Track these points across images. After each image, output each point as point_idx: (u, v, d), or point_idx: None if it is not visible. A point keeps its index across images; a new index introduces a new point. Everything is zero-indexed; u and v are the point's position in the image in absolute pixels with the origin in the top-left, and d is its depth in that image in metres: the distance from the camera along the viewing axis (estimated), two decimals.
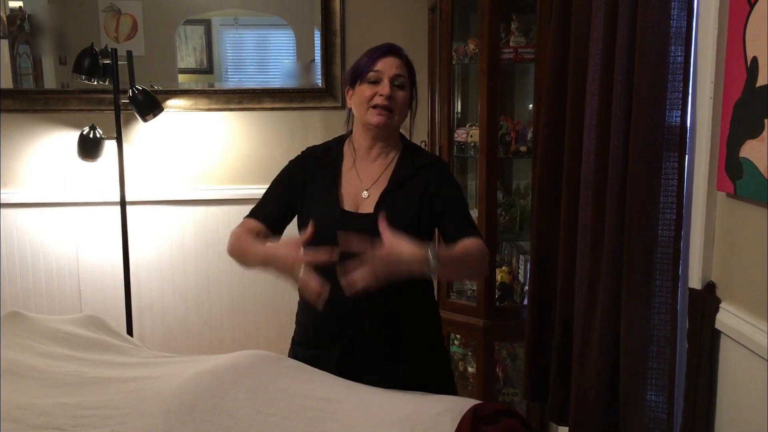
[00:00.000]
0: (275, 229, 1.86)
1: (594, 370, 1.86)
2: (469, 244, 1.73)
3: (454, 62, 2.83)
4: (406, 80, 1.82)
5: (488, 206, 2.69)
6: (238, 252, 1.78)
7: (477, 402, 1.60)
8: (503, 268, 3.00)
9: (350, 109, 1.89)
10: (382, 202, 1.79)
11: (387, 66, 1.79)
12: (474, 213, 2.74)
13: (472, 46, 2.78)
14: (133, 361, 1.92)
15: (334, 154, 1.90)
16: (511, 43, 2.75)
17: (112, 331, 2.15)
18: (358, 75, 1.81)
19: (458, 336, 3.10)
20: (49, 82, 3.29)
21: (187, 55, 3.42)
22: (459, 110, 3.27)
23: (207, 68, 3.44)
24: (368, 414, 1.54)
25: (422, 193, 1.81)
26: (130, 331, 3.14)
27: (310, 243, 1.77)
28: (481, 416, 1.51)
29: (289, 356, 1.92)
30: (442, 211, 1.80)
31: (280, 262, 1.59)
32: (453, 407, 1.54)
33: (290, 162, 1.94)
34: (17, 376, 1.79)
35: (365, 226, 1.70)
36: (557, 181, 2.17)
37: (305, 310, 1.90)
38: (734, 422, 1.52)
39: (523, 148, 2.77)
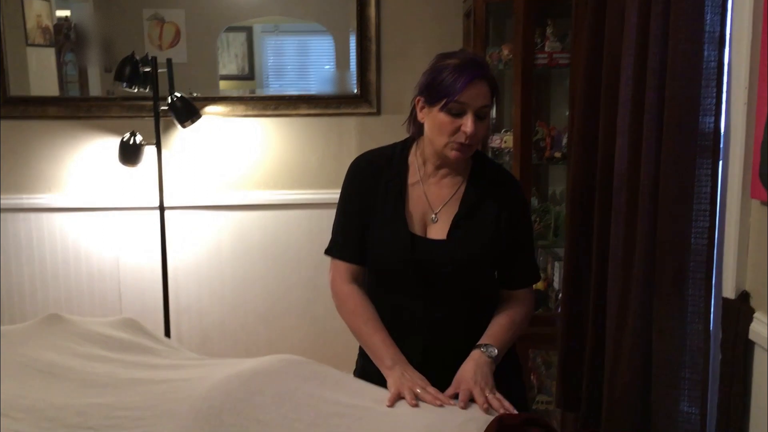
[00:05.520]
0: (366, 260, 1.82)
1: (625, 380, 1.84)
2: (515, 310, 1.79)
3: None
4: (489, 110, 1.68)
5: None
6: (353, 327, 1.80)
7: (503, 412, 1.60)
8: None
9: (414, 116, 1.74)
10: (455, 228, 1.73)
11: (473, 96, 1.61)
12: None
13: (506, 52, 2.77)
14: (167, 363, 1.95)
15: (398, 165, 1.79)
16: (546, 48, 2.73)
17: (148, 334, 2.19)
18: (438, 95, 1.63)
19: None
20: (95, 89, 3.36)
21: (230, 62, 3.47)
22: (494, 116, 3.26)
23: (248, 75, 3.49)
24: (393, 422, 1.53)
25: (496, 219, 1.74)
26: (167, 334, 3.19)
27: (378, 265, 1.81)
28: (506, 425, 1.50)
29: (356, 367, 1.94)
30: (509, 250, 1.76)
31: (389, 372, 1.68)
32: (478, 416, 1.53)
33: (351, 175, 1.82)
34: (54, 376, 1.83)
35: (437, 252, 1.72)
36: (590, 188, 2.15)
37: None
38: None
39: (557, 154, 2.75)
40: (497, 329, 1.76)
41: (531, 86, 2.63)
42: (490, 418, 1.53)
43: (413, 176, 1.78)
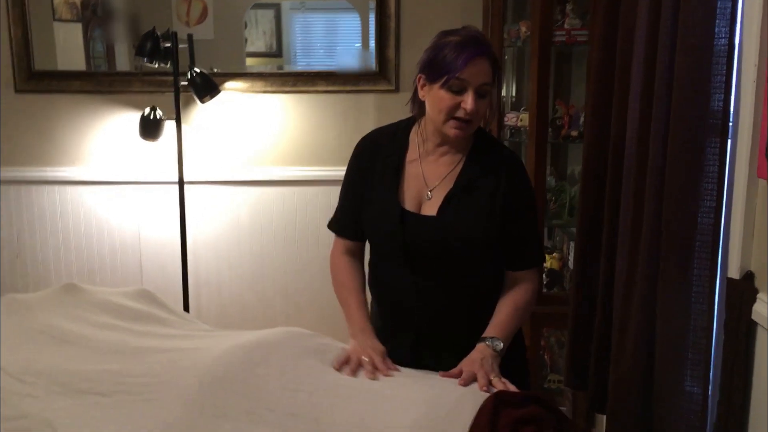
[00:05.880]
0: (363, 236, 1.87)
1: (630, 360, 1.83)
2: (520, 295, 1.78)
3: (507, 45, 2.80)
4: (490, 89, 1.65)
5: (537, 192, 2.65)
6: (339, 297, 1.88)
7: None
8: (554, 254, 2.96)
9: (416, 94, 1.73)
10: (447, 205, 1.72)
11: (474, 74, 1.61)
12: None
13: (524, 29, 2.74)
14: (176, 333, 1.99)
15: (399, 142, 1.80)
16: (565, 26, 2.70)
17: (162, 305, 2.23)
18: (439, 72, 1.62)
19: None
20: (122, 66, 3.38)
21: (257, 39, 3.47)
22: (514, 94, 3.24)
23: (276, 52, 3.49)
24: (393, 394, 1.56)
25: (491, 198, 1.71)
26: (186, 307, 3.24)
27: (373, 244, 1.85)
28: (504, 401, 1.50)
29: None
30: (509, 231, 1.74)
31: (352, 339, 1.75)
32: (475, 391, 1.55)
33: (354, 153, 1.86)
34: (67, 343, 1.88)
35: (427, 229, 1.72)
36: (603, 167, 2.13)
37: (375, 302, 1.92)
38: None
39: (574, 133, 2.72)
40: (502, 319, 1.75)
41: (548, 63, 2.60)
42: (488, 393, 1.54)
43: (412, 154, 1.78)
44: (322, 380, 1.59)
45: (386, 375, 1.64)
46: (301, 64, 3.46)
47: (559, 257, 2.95)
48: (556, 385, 2.89)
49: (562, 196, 2.81)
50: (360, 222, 1.83)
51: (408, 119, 1.83)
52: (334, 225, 1.91)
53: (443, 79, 1.61)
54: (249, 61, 3.43)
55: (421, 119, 1.78)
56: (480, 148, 1.76)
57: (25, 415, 1.64)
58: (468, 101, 1.60)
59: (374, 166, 1.79)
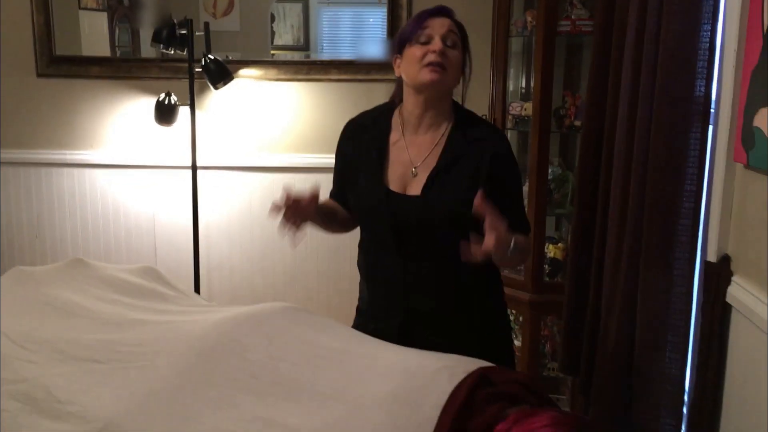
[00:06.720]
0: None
1: (613, 341, 1.86)
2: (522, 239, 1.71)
3: (513, 35, 2.82)
4: (458, 40, 1.72)
5: (539, 181, 2.68)
6: None
7: (487, 365, 1.63)
8: (558, 244, 2.98)
9: (398, 81, 1.80)
10: (431, 184, 1.73)
11: (437, 25, 1.70)
12: (525, 188, 2.74)
13: (529, 19, 2.76)
14: (175, 308, 2.06)
15: (382, 125, 1.83)
16: (572, 16, 2.71)
17: (165, 282, 2.30)
18: (406, 38, 1.72)
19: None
20: (147, 54, 3.44)
21: (285, 33, 3.53)
22: (523, 85, 3.25)
23: (303, 45, 3.54)
24: (372, 365, 1.60)
25: (474, 173, 1.72)
26: (198, 289, 3.32)
27: (361, 224, 1.89)
28: (487, 380, 1.53)
29: (353, 325, 1.97)
30: (495, 202, 1.65)
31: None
32: (454, 365, 1.58)
33: (341, 137, 1.92)
34: (70, 314, 1.96)
35: (411, 209, 1.74)
36: (597, 156, 2.15)
37: (364, 283, 1.95)
38: (741, 396, 1.49)
39: (577, 123, 2.74)
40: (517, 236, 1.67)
41: (553, 53, 2.62)
42: (469, 368, 1.57)
43: (395, 135, 1.81)
44: (306, 351, 1.65)
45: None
46: (327, 57, 3.50)
47: (563, 247, 2.97)
48: (555, 372, 2.91)
49: (565, 185, 2.83)
50: (343, 192, 1.89)
51: (388, 104, 1.87)
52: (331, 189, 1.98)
53: (411, 38, 1.70)
54: (276, 54, 3.49)
55: (401, 105, 1.82)
56: (461, 123, 1.78)
57: (25, 379, 1.72)
58: (436, 43, 1.67)
59: (359, 148, 1.84)
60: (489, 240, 1.48)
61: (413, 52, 1.70)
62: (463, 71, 1.76)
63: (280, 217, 1.69)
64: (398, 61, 1.77)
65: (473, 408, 1.46)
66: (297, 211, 1.69)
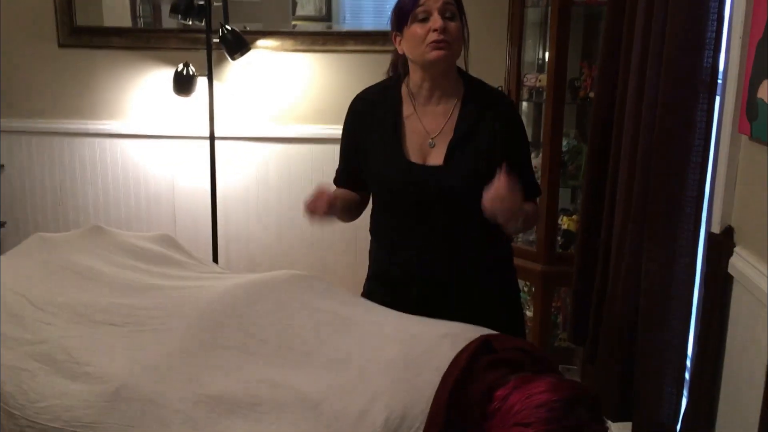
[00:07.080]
0: (359, 188, 1.93)
1: (618, 312, 1.88)
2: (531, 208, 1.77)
3: (529, 5, 2.81)
4: (455, 10, 1.72)
5: (552, 152, 2.68)
6: None
7: (490, 332, 1.65)
8: (573, 216, 2.98)
9: (395, 55, 1.83)
10: (451, 154, 1.76)
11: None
12: (538, 160, 2.74)
13: None
14: (190, 274, 2.11)
15: (392, 98, 1.85)
16: None
17: (181, 249, 2.35)
18: (403, 17, 1.73)
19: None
20: (169, 25, 3.45)
21: (308, 3, 3.54)
22: (540, 56, 3.24)
23: (325, 16, 3.55)
24: (377, 331, 1.64)
25: (490, 139, 1.76)
26: (216, 257, 3.38)
27: (379, 197, 1.90)
28: (490, 347, 1.55)
29: (363, 293, 2.01)
30: (509, 166, 1.70)
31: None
32: (458, 332, 1.61)
33: (350, 110, 1.93)
34: (87, 279, 2.01)
35: (435, 179, 1.77)
36: (609, 126, 2.16)
37: (378, 248, 1.97)
38: (740, 366, 1.51)
39: (592, 94, 2.73)
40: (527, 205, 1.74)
41: (567, 24, 2.61)
42: (473, 336, 1.60)
43: (408, 108, 1.82)
44: (314, 317, 1.69)
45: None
46: (349, 27, 3.50)
47: (577, 219, 2.98)
48: (567, 343, 2.93)
49: (578, 157, 2.83)
50: (358, 176, 1.90)
51: (395, 77, 1.89)
52: (336, 180, 2.00)
53: (409, 17, 1.70)
54: (298, 24, 3.49)
55: (406, 78, 1.84)
56: (472, 93, 1.81)
57: (45, 340, 1.78)
58: (436, 20, 1.67)
59: (371, 121, 1.85)
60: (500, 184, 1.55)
61: (414, 31, 1.70)
62: (463, 37, 1.76)
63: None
64: (398, 39, 1.77)
65: (474, 373, 1.50)
66: (323, 205, 1.74)
